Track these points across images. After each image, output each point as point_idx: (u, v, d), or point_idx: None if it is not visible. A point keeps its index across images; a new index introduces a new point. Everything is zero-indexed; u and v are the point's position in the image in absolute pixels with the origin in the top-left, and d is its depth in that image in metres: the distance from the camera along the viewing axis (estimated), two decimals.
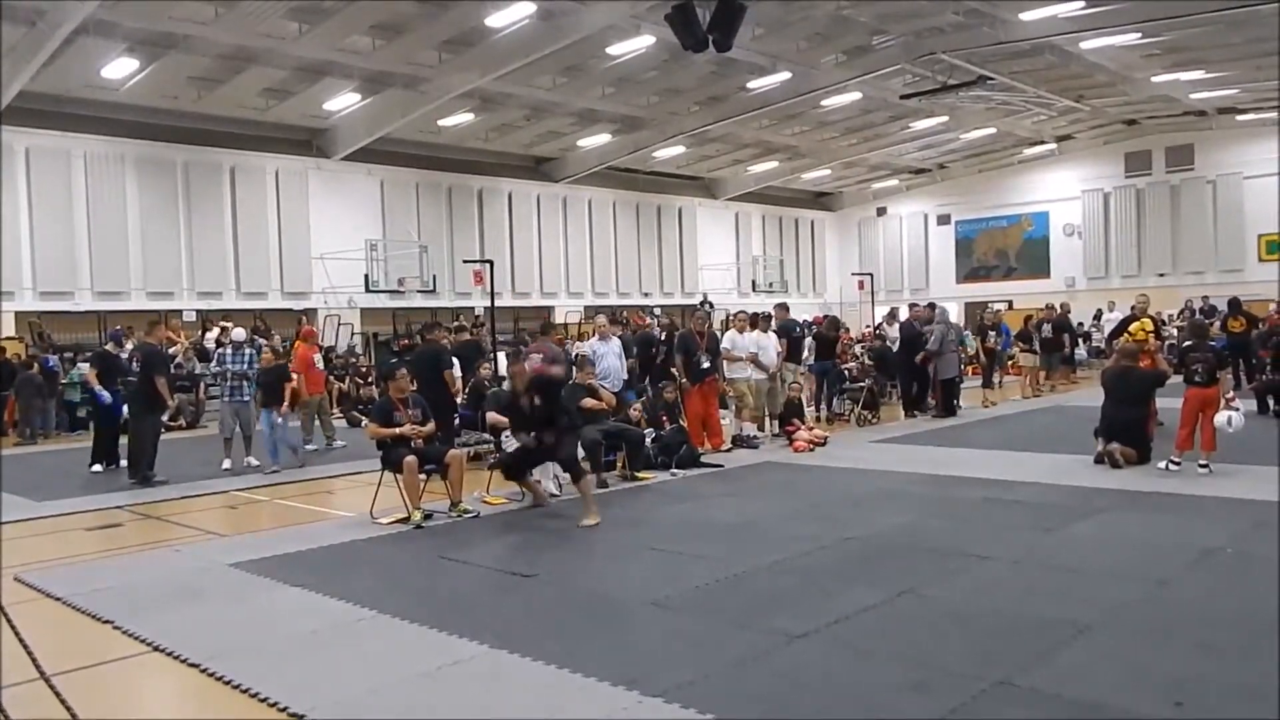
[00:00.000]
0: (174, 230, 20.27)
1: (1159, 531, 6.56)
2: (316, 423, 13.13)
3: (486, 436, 9.91)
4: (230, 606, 5.43)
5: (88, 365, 13.17)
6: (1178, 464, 8.64)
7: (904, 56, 19.96)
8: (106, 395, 11.18)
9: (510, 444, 8.21)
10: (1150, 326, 11.42)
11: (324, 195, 22.51)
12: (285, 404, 11.06)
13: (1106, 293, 26.96)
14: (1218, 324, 16.33)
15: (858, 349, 18.25)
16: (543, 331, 11.78)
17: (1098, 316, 24.56)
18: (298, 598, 5.54)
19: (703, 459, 10.22)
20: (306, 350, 13.09)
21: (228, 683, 4.18)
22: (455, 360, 10.67)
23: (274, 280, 21.74)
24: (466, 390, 10.91)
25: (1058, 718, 3.55)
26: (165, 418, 11.77)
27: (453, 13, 16.62)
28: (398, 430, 7.74)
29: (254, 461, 10.97)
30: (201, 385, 17.24)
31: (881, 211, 35.30)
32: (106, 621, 5.16)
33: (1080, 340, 22.29)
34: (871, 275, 30.74)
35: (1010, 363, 19.06)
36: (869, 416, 13.83)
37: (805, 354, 14.07)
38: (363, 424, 13.04)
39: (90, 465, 11.31)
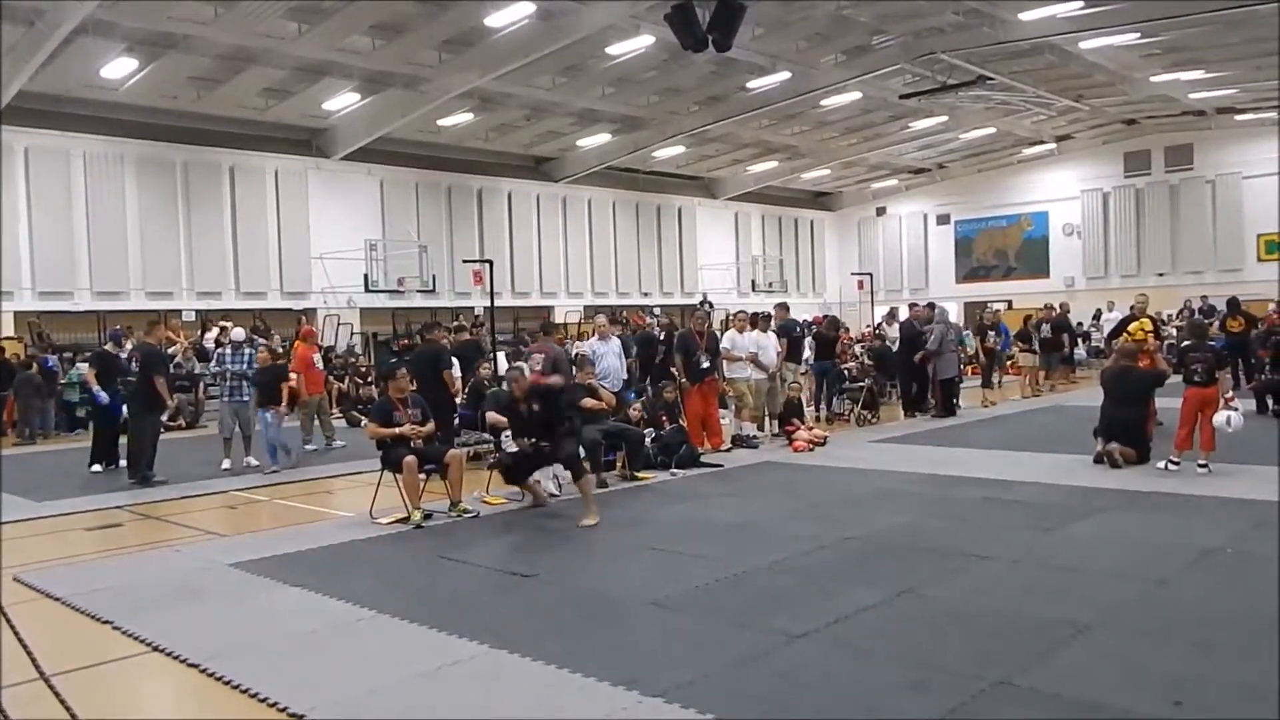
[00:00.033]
0: (173, 230, 20.27)
1: (1158, 531, 6.56)
2: (316, 423, 13.14)
3: (486, 436, 9.91)
4: (230, 606, 5.43)
5: (87, 365, 13.17)
6: (1177, 464, 8.65)
7: (903, 56, 19.96)
8: (104, 395, 11.18)
9: (510, 444, 8.22)
10: (1149, 326, 11.43)
11: (323, 195, 22.51)
12: (283, 404, 11.07)
13: (1106, 292, 26.96)
14: (1216, 324, 16.33)
15: (857, 349, 18.24)
16: (544, 332, 11.77)
17: (1097, 316, 24.56)
18: (297, 598, 5.54)
19: (702, 459, 10.22)
20: (306, 350, 13.10)
21: (227, 683, 4.18)
22: (455, 360, 10.67)
23: (273, 280, 21.74)
24: (466, 390, 10.91)
25: (1057, 717, 3.55)
26: (165, 418, 11.77)
27: (452, 13, 16.61)
28: (397, 430, 7.74)
29: (253, 461, 10.97)
30: (201, 385, 17.24)
31: (881, 211, 35.31)
32: (106, 622, 5.16)
33: (1079, 340, 22.29)
34: (871, 275, 30.76)
35: (1010, 362, 19.07)
36: (868, 416, 13.84)
37: (806, 353, 14.07)
38: (362, 424, 13.04)
39: (90, 465, 11.31)
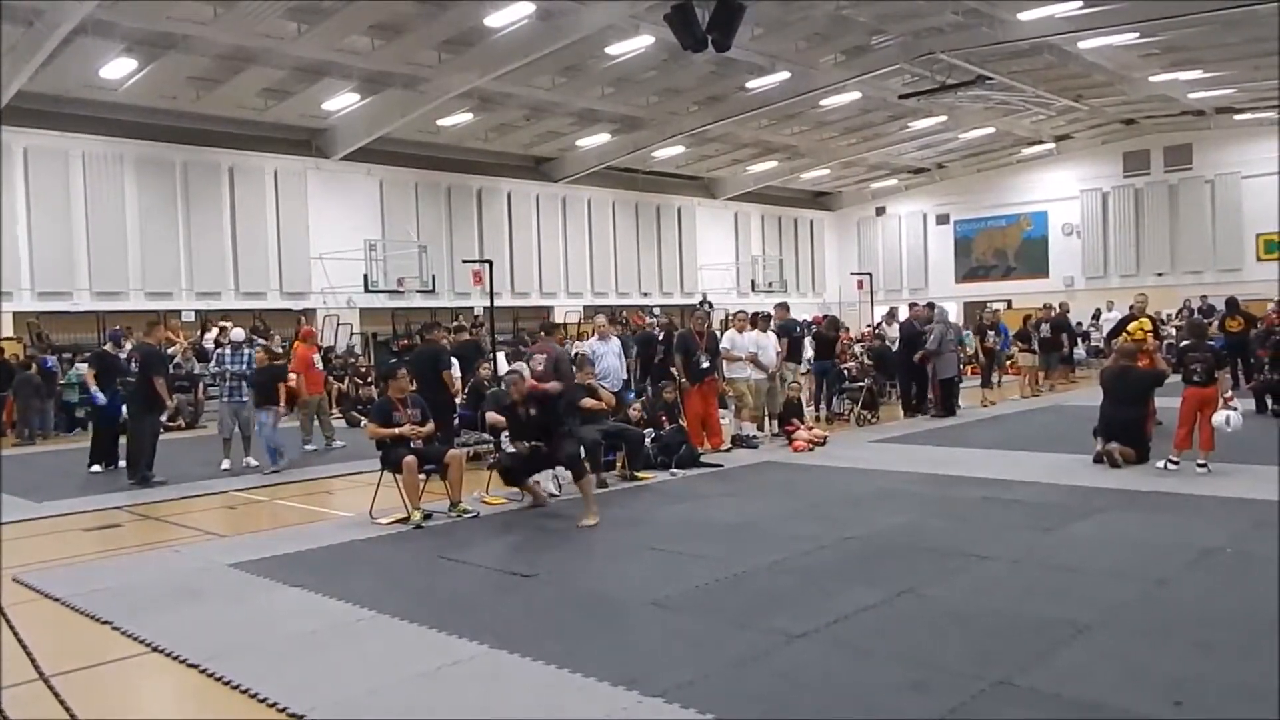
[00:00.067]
0: (173, 230, 20.26)
1: (1158, 531, 6.56)
2: (316, 423, 13.14)
3: (486, 436, 9.91)
4: (229, 607, 5.43)
5: (86, 366, 13.16)
6: (1176, 463, 8.65)
7: (903, 56, 19.97)
8: (100, 396, 11.17)
9: (510, 445, 8.23)
10: (1149, 326, 11.43)
11: (323, 195, 22.50)
12: (282, 404, 11.05)
13: (1105, 292, 26.97)
14: (1216, 323, 16.33)
15: (857, 349, 18.25)
16: (546, 332, 11.77)
17: (1096, 316, 24.57)
18: (297, 598, 5.54)
19: (702, 459, 10.22)
20: (306, 350, 13.09)
21: (227, 683, 4.18)
22: (454, 360, 10.67)
23: (273, 280, 21.73)
24: (466, 390, 10.90)
25: (1057, 717, 3.55)
26: (164, 418, 11.76)
27: (452, 13, 16.61)
28: (397, 430, 7.74)
29: (253, 462, 10.97)
30: (200, 385, 17.24)
31: (880, 211, 35.32)
32: (105, 622, 5.16)
33: (1079, 340, 22.31)
34: (870, 275, 30.77)
35: (1009, 362, 19.08)
36: (868, 416, 13.84)
37: (807, 353, 14.07)
38: (362, 424, 13.03)
39: (89, 466, 11.31)
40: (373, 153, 22.46)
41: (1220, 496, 7.50)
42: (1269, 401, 12.94)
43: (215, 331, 18.10)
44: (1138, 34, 19.30)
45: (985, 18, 18.20)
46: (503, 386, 9.04)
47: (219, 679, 4.23)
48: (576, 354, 11.27)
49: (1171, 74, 22.57)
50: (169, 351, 15.34)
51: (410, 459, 7.49)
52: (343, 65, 18.42)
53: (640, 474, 9.38)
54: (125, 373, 11.11)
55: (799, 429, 11.61)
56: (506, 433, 8.22)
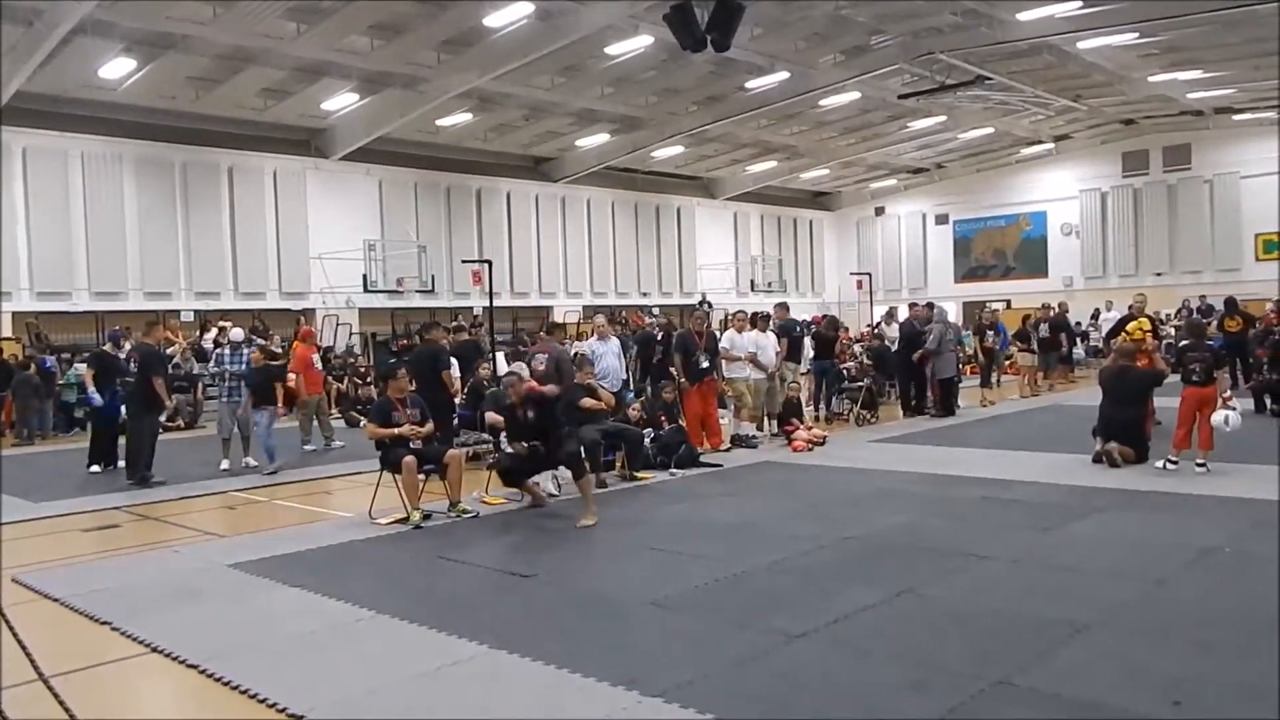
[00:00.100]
0: (172, 230, 20.25)
1: (1157, 531, 6.57)
2: (315, 423, 13.13)
3: (485, 436, 9.91)
4: (229, 607, 5.43)
5: (85, 366, 13.15)
6: (1175, 463, 8.65)
7: (902, 56, 19.97)
8: (97, 397, 11.16)
9: (509, 446, 8.22)
10: (1147, 326, 11.45)
11: (322, 195, 22.49)
12: (280, 404, 11.02)
13: (1104, 292, 26.97)
14: (1214, 323, 16.35)
15: (856, 348, 18.25)
16: (548, 331, 11.78)
17: (1095, 316, 24.58)
18: (297, 598, 5.54)
19: (701, 459, 10.22)
20: (305, 350, 13.09)
21: (226, 683, 4.18)
22: (454, 360, 10.67)
23: (272, 280, 21.72)
24: (465, 390, 10.90)
25: (1056, 717, 3.56)
26: (163, 418, 11.75)
27: (451, 13, 16.61)
28: (396, 430, 7.74)
29: (252, 462, 10.96)
30: (199, 386, 17.22)
31: (880, 211, 35.32)
32: (104, 623, 5.16)
33: (1078, 340, 22.31)
34: (870, 275, 30.77)
35: (1008, 362, 19.08)
36: (867, 416, 13.84)
37: (807, 353, 14.07)
38: (361, 424, 13.03)
39: (88, 466, 11.30)
40: (372, 153, 22.45)
41: (1219, 496, 7.50)
42: (1268, 401, 12.94)
43: (214, 331, 18.09)
44: (1137, 34, 19.31)
45: (984, 18, 18.21)
46: (501, 387, 9.04)
47: (218, 679, 4.23)
48: (576, 354, 11.27)
49: (1171, 74, 22.57)
50: (168, 352, 15.33)
51: (409, 459, 7.49)
52: (342, 65, 18.42)
53: (640, 474, 9.38)
54: (124, 373, 11.10)
55: (798, 429, 11.61)
56: (505, 433, 8.22)
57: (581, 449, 7.93)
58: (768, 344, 11.99)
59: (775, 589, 5.37)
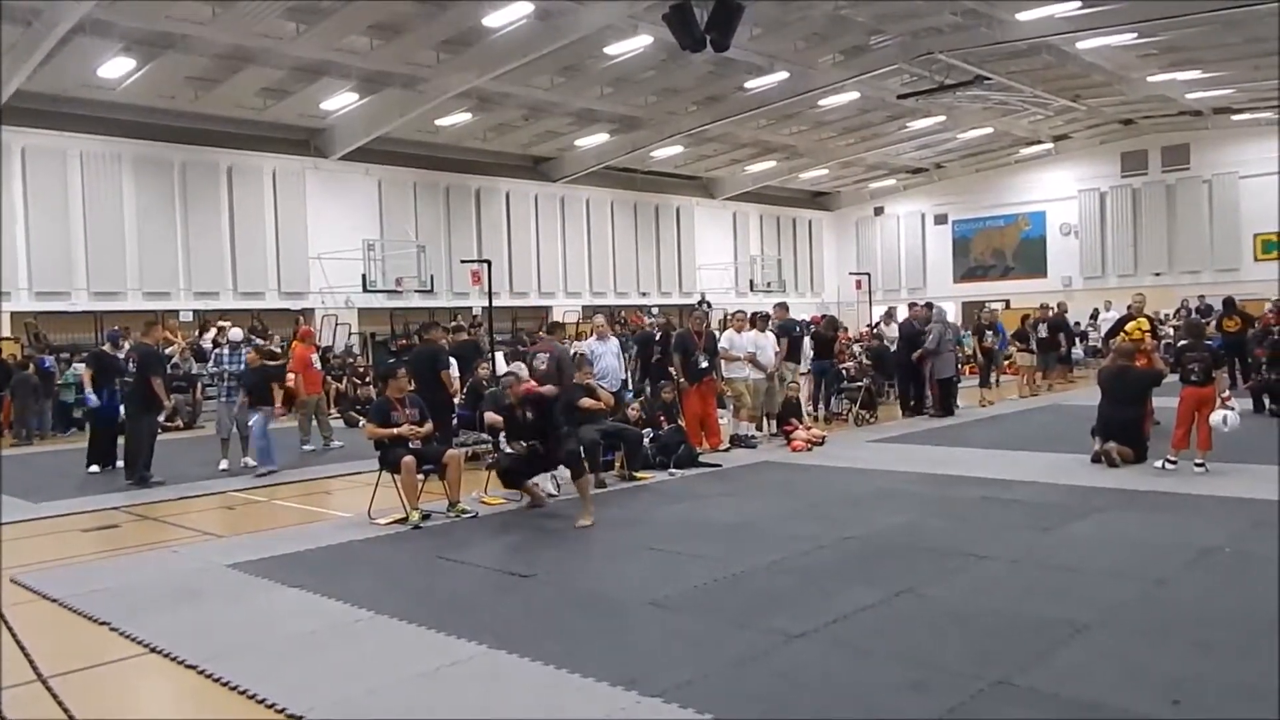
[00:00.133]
0: (171, 230, 20.24)
1: (1156, 531, 6.57)
2: (314, 423, 13.12)
3: (484, 436, 9.90)
4: (228, 607, 5.43)
5: (84, 366, 13.14)
6: (1174, 463, 8.66)
7: (901, 56, 19.97)
8: (94, 398, 11.15)
9: (508, 446, 8.22)
10: (1146, 326, 11.45)
11: (321, 195, 22.48)
12: (277, 404, 11.01)
13: (1103, 292, 26.96)
14: (1213, 323, 16.35)
15: (856, 348, 18.25)
16: (549, 330, 11.78)
17: (1094, 316, 24.58)
18: (296, 598, 5.54)
19: (701, 459, 10.23)
20: (304, 350, 13.09)
21: (226, 684, 4.17)
22: (453, 360, 10.67)
23: (271, 280, 21.70)
24: (464, 390, 10.90)
25: (1056, 717, 3.56)
26: (162, 418, 11.74)
27: (450, 12, 16.60)
28: (395, 430, 7.73)
29: (251, 462, 10.94)
30: (198, 386, 17.21)
31: (879, 211, 35.33)
32: (104, 623, 5.15)
33: (1077, 340, 22.32)
34: (869, 275, 30.74)
35: (1007, 362, 19.09)
36: (867, 416, 13.84)
37: (806, 352, 14.07)
38: (360, 424, 13.02)
39: (87, 466, 11.29)
40: (371, 152, 22.44)
41: (1218, 496, 7.51)
42: (1266, 401, 12.95)
43: (213, 332, 18.07)
44: (1136, 34, 19.32)
45: (984, 18, 18.22)
46: (500, 387, 9.04)
47: (218, 680, 4.22)
48: (575, 354, 11.28)
49: (1170, 74, 22.58)
50: (167, 352, 15.31)
51: (409, 459, 7.49)
52: (341, 65, 18.41)
53: (639, 474, 9.38)
54: (123, 373, 11.10)
55: (797, 429, 11.61)
56: (504, 433, 8.22)
57: (580, 449, 7.93)
58: (767, 344, 11.99)
59: (775, 589, 5.37)
